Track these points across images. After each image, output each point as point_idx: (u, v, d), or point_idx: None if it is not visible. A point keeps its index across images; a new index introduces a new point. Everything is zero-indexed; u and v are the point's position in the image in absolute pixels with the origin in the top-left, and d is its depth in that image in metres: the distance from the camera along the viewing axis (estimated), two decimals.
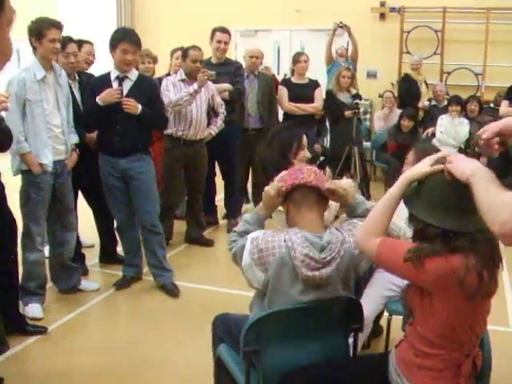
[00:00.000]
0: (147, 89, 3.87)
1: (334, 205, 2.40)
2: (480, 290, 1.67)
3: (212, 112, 4.85)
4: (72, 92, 3.82)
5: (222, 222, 5.63)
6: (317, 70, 6.86)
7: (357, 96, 6.27)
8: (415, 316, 1.83)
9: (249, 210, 5.58)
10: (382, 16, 8.23)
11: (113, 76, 3.80)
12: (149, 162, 3.94)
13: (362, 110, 6.25)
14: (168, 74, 5.14)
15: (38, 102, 3.40)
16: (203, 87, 4.53)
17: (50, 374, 2.98)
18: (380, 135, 7.13)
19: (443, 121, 6.42)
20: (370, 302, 2.79)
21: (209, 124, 4.84)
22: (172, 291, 3.99)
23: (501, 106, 6.30)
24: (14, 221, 3.27)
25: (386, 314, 3.03)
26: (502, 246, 1.68)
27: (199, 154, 4.81)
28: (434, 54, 7.88)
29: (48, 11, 4.76)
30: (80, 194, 4.24)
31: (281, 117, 6.10)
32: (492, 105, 7.09)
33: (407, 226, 1.92)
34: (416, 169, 1.80)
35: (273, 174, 2.17)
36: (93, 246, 4.73)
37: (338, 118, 6.14)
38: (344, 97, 6.18)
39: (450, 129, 6.35)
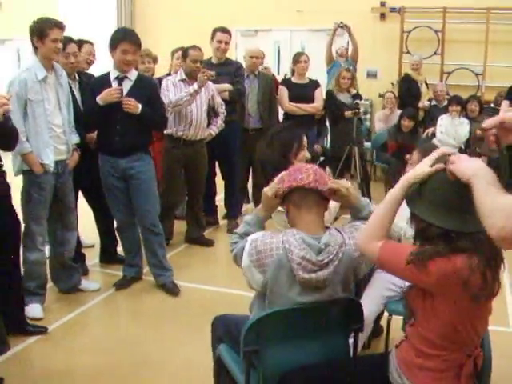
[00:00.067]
0: (147, 89, 3.87)
1: (334, 205, 2.38)
2: (484, 290, 1.67)
3: (212, 112, 4.85)
4: (72, 92, 3.82)
5: (222, 222, 5.63)
6: (317, 70, 6.86)
7: (357, 96, 6.27)
8: (417, 317, 1.83)
9: (249, 210, 5.59)
10: (383, 16, 8.24)
11: (112, 76, 3.79)
12: (149, 162, 3.94)
13: (362, 110, 6.25)
14: (169, 74, 5.14)
15: (40, 101, 3.40)
16: (203, 87, 4.53)
17: (50, 374, 2.98)
18: (380, 135, 7.13)
19: (443, 121, 6.42)
20: (370, 302, 2.79)
21: (209, 124, 4.84)
22: (172, 290, 4.00)
23: (501, 106, 6.29)
24: (18, 222, 3.28)
25: (386, 313, 3.03)
26: None
27: (199, 154, 4.81)
28: (435, 54, 7.89)
29: (48, 11, 4.76)
30: (80, 193, 4.24)
31: (281, 117, 6.10)
32: (492, 105, 7.09)
33: (409, 226, 1.92)
34: (416, 170, 1.79)
35: (272, 174, 2.16)
36: (93, 246, 4.73)
37: (338, 118, 6.14)
38: (344, 97, 6.18)
39: (451, 129, 6.35)
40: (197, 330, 3.31)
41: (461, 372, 1.79)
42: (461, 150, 5.98)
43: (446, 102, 6.88)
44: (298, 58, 5.94)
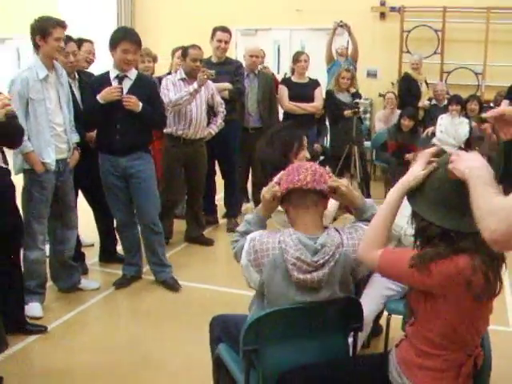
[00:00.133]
0: (146, 88, 3.87)
1: (333, 203, 2.37)
2: (486, 290, 1.67)
3: (211, 111, 4.85)
4: (72, 91, 3.82)
5: (222, 221, 5.63)
6: (317, 70, 6.86)
7: (356, 95, 6.27)
8: (417, 317, 1.82)
9: (249, 210, 5.59)
10: (382, 15, 8.23)
11: (112, 75, 3.79)
12: (149, 161, 3.94)
13: (361, 109, 6.25)
14: (169, 73, 5.13)
15: (41, 100, 3.40)
16: (203, 86, 4.53)
17: (49, 373, 2.98)
18: (380, 135, 7.13)
19: (443, 120, 6.39)
20: (370, 301, 2.79)
21: (209, 123, 4.84)
22: (173, 286, 4.01)
23: (501, 105, 6.29)
24: (21, 221, 3.28)
25: (385, 313, 3.03)
26: None
27: (199, 153, 4.80)
28: (434, 53, 7.89)
29: (48, 10, 4.74)
30: (80, 193, 4.24)
31: (281, 116, 6.10)
32: (492, 104, 7.08)
33: (409, 224, 1.91)
34: (411, 174, 1.79)
35: (272, 174, 2.16)
36: (93, 245, 4.73)
37: (337, 118, 6.14)
38: (344, 96, 6.18)
39: (450, 128, 6.32)
40: (196, 329, 3.30)
41: (461, 371, 1.79)
42: (461, 150, 5.98)
43: (445, 102, 6.87)
44: (297, 58, 5.93)
